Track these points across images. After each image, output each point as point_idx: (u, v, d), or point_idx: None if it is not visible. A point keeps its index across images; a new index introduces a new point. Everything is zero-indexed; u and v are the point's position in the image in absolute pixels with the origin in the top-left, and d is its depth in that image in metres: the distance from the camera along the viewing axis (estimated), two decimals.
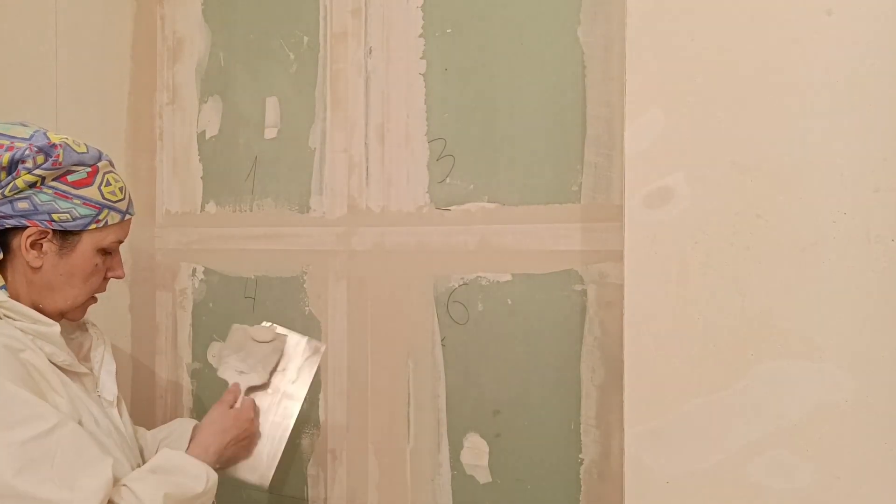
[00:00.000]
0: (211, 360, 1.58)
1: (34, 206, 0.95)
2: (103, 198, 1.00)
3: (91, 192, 0.99)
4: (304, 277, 1.45)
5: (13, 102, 1.41)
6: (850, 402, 0.86)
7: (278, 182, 1.49)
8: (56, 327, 0.98)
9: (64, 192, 0.97)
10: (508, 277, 1.24)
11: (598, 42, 1.16)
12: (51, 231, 0.97)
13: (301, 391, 1.21)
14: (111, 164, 1.05)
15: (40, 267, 0.98)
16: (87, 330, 1.11)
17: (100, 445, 0.94)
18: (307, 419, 1.44)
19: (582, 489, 1.18)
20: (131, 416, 1.14)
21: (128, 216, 1.05)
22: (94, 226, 0.99)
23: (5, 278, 0.99)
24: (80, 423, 0.96)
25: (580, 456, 1.18)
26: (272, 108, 1.49)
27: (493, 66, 1.25)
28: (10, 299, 0.97)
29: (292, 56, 1.47)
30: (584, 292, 1.17)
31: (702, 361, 0.93)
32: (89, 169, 1.00)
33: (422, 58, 1.32)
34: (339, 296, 1.41)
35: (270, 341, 1.19)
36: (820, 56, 0.87)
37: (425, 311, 1.31)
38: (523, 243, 1.22)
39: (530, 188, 1.22)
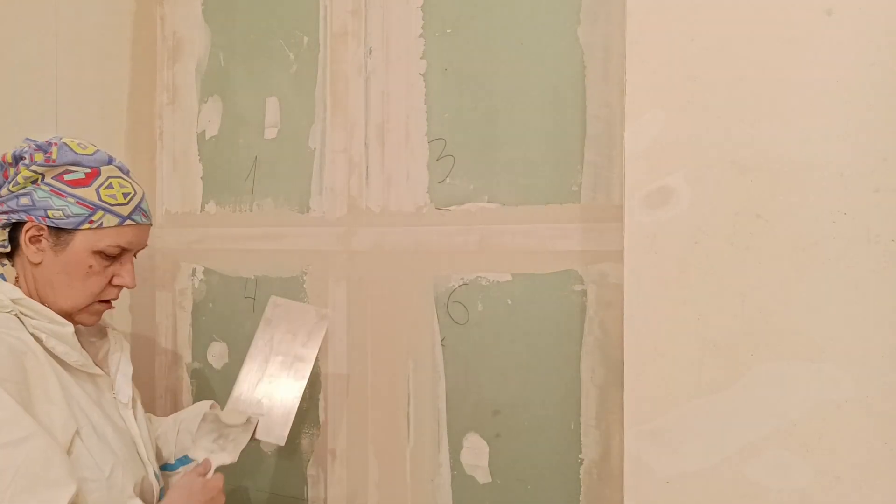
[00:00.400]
0: (211, 360, 1.58)
1: (33, 201, 0.99)
2: (99, 199, 1.01)
3: (86, 193, 1.00)
4: (304, 277, 1.45)
5: (13, 102, 1.41)
6: (850, 402, 0.86)
7: (278, 182, 1.49)
8: (70, 327, 1.00)
9: (59, 189, 0.99)
10: (508, 277, 1.24)
11: (598, 42, 1.16)
12: (46, 227, 1.00)
13: (312, 353, 1.26)
14: (122, 170, 1.07)
15: (40, 263, 1.01)
16: (106, 335, 1.14)
17: (69, 469, 0.91)
18: (307, 419, 1.44)
19: (582, 489, 1.18)
20: None
21: (129, 222, 1.04)
22: (86, 226, 1.00)
23: (16, 272, 1.03)
24: (76, 432, 0.96)
25: (580, 456, 1.18)
26: (272, 108, 1.49)
27: (493, 66, 1.25)
28: (26, 297, 0.99)
29: (292, 56, 1.47)
30: (584, 292, 1.17)
31: (702, 361, 0.93)
32: (88, 170, 1.02)
33: (422, 58, 1.32)
34: (339, 296, 1.41)
35: (242, 424, 1.20)
36: (820, 56, 0.87)
37: (425, 311, 1.31)
38: (523, 243, 1.22)
39: (530, 188, 1.22)
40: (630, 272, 0.98)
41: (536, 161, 1.21)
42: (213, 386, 1.58)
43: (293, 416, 1.22)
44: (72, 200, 1.00)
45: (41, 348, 0.97)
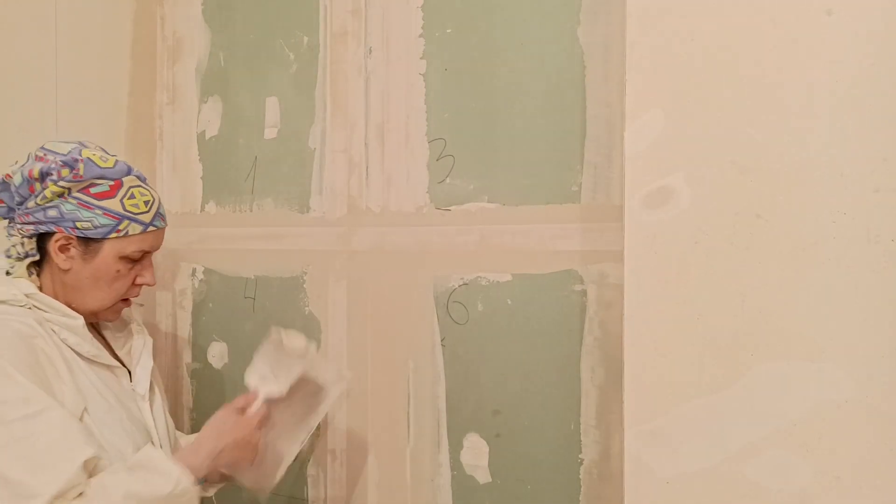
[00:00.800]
0: (211, 360, 1.58)
1: (61, 213, 1.05)
2: (125, 210, 1.08)
3: (112, 204, 1.07)
4: (304, 277, 1.45)
5: (13, 102, 1.42)
6: (850, 402, 0.86)
7: (278, 182, 1.49)
8: (80, 320, 1.07)
9: (87, 202, 1.06)
10: (508, 277, 1.24)
11: (598, 42, 1.16)
12: (75, 237, 1.07)
13: (314, 421, 1.24)
14: (141, 178, 1.14)
15: (69, 269, 1.08)
16: (132, 330, 1.22)
17: (87, 436, 0.98)
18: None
19: (582, 489, 1.18)
20: None
21: (151, 228, 1.12)
22: (114, 235, 1.08)
23: (41, 278, 1.10)
24: (85, 410, 1.02)
25: (580, 456, 1.18)
26: (272, 108, 1.49)
27: (493, 66, 1.25)
28: (39, 292, 1.06)
29: (292, 56, 1.47)
30: (584, 292, 1.17)
31: (702, 361, 0.93)
32: (112, 182, 1.08)
33: (422, 58, 1.32)
34: (339, 296, 1.41)
35: (301, 353, 1.18)
36: (820, 56, 0.87)
37: (425, 311, 1.31)
38: (523, 243, 1.22)
39: (530, 188, 1.22)
40: (630, 272, 0.98)
41: (536, 161, 1.21)
42: (214, 386, 1.58)
43: (280, 474, 1.21)
44: (99, 212, 1.06)
45: (51, 337, 1.04)
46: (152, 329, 1.65)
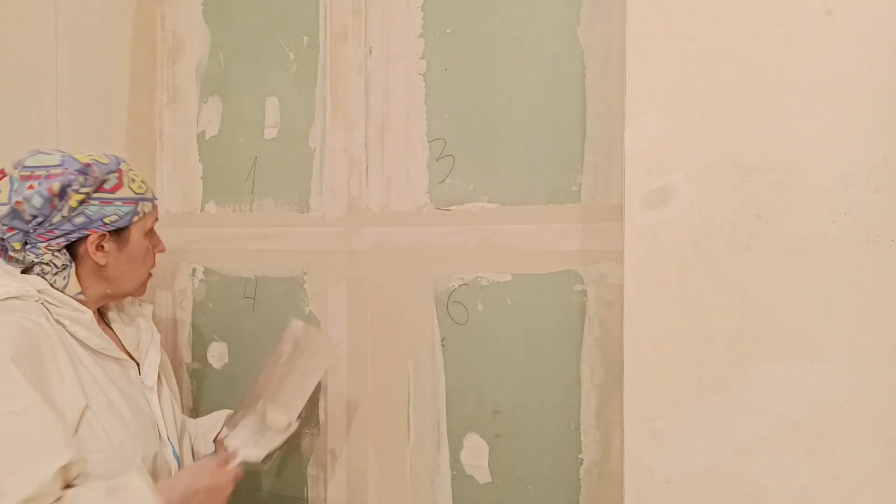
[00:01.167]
0: (211, 360, 1.58)
1: (88, 217, 1.11)
2: (135, 193, 1.16)
3: (125, 192, 1.15)
4: (304, 277, 1.45)
5: (13, 103, 1.42)
6: (850, 402, 0.86)
7: (278, 182, 1.49)
8: (89, 314, 1.12)
9: (106, 199, 1.13)
10: (508, 277, 1.24)
11: (598, 42, 1.16)
12: (107, 233, 1.13)
13: (311, 387, 1.28)
14: (127, 163, 1.20)
15: (107, 264, 1.14)
16: (140, 326, 1.27)
17: (68, 441, 0.98)
18: (307, 419, 1.44)
19: (582, 489, 1.18)
20: None
21: (156, 201, 1.22)
22: (136, 218, 1.16)
23: (81, 283, 1.14)
24: (86, 406, 1.05)
25: (580, 456, 1.18)
26: (272, 108, 1.49)
27: (493, 66, 1.25)
28: (51, 288, 1.10)
29: (292, 56, 1.47)
30: (584, 292, 1.17)
31: (702, 361, 0.93)
32: (117, 174, 1.15)
33: (422, 58, 1.32)
34: (339, 296, 1.41)
35: (282, 429, 1.23)
36: (820, 56, 0.87)
37: (425, 311, 1.31)
38: (523, 243, 1.22)
39: (530, 188, 1.22)
40: (630, 272, 0.98)
41: (536, 161, 1.21)
42: (214, 386, 1.58)
43: (274, 446, 1.24)
44: (119, 203, 1.14)
45: (58, 333, 1.06)
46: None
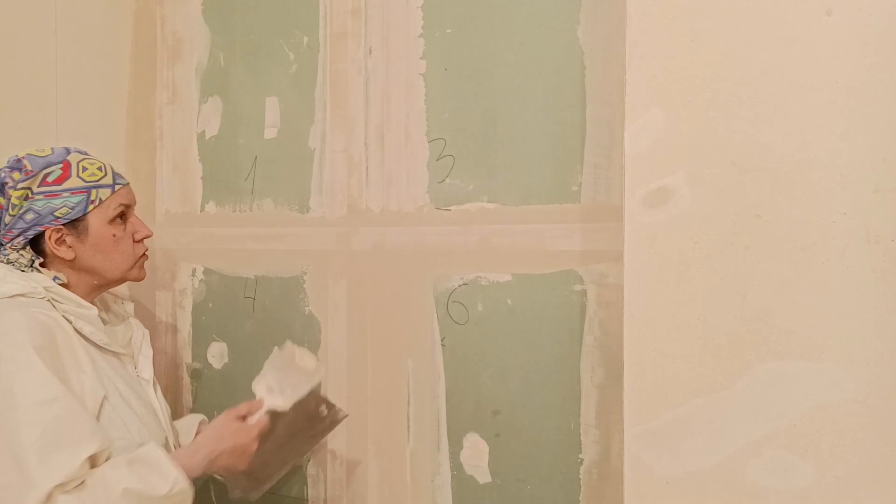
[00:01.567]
0: (211, 359, 1.58)
1: (36, 212, 1.10)
2: (85, 182, 1.13)
3: (73, 182, 1.12)
4: (304, 277, 1.45)
5: (13, 102, 1.42)
6: (850, 402, 0.86)
7: (278, 182, 1.49)
8: (94, 310, 1.13)
9: (50, 192, 1.11)
10: (508, 277, 1.24)
11: (598, 42, 1.16)
12: (62, 226, 1.11)
13: (309, 445, 1.28)
14: (83, 153, 1.18)
15: (74, 257, 1.14)
16: (130, 324, 1.27)
17: (94, 430, 1.01)
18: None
19: (582, 489, 1.18)
20: None
21: (118, 186, 1.18)
22: (91, 206, 1.13)
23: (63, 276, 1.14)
24: (105, 397, 1.07)
25: (580, 456, 1.18)
26: (272, 108, 1.49)
27: (493, 66, 1.25)
28: (57, 285, 1.11)
29: (292, 56, 1.47)
30: (584, 292, 1.17)
31: (702, 361, 0.93)
32: (61, 165, 1.13)
33: (422, 58, 1.32)
34: (339, 296, 1.41)
35: (311, 372, 1.20)
36: (820, 56, 0.87)
37: (425, 311, 1.31)
38: (523, 243, 1.22)
39: (530, 188, 1.22)
40: (630, 272, 0.98)
41: (536, 161, 1.21)
42: (213, 386, 1.58)
43: (268, 484, 1.23)
44: (66, 194, 1.11)
45: (71, 327, 1.08)
46: (152, 329, 1.65)
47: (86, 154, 1.19)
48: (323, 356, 1.43)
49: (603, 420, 1.16)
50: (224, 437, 1.12)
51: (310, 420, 1.23)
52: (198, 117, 1.60)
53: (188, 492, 1.06)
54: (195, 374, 1.61)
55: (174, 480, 1.03)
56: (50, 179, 1.11)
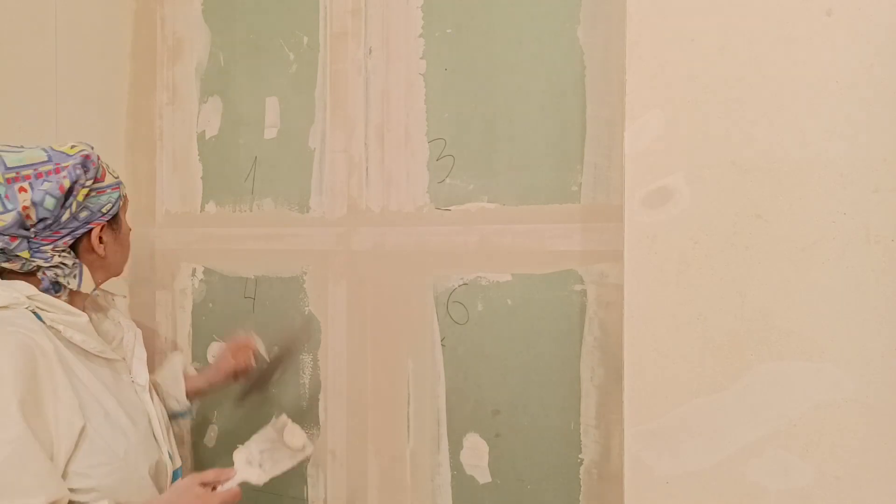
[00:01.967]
0: (211, 360, 1.58)
1: (90, 210, 1.08)
2: (115, 178, 1.14)
3: (109, 179, 1.12)
4: (304, 277, 1.45)
5: (13, 102, 1.42)
6: (850, 402, 0.86)
7: (278, 182, 1.49)
8: (84, 317, 1.06)
9: (100, 188, 1.10)
10: (508, 277, 1.24)
11: (598, 42, 1.16)
12: (105, 223, 1.11)
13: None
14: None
15: (106, 254, 1.12)
16: (121, 324, 1.21)
17: (44, 479, 0.93)
18: (307, 419, 1.44)
19: (582, 489, 1.18)
20: None
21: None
22: (121, 202, 1.14)
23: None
24: (83, 428, 0.99)
25: (580, 456, 1.18)
26: (272, 108, 1.49)
27: (493, 66, 1.25)
28: (41, 293, 1.03)
29: (292, 56, 1.47)
30: (584, 292, 1.17)
31: (702, 361, 0.93)
32: (98, 162, 1.10)
33: (422, 58, 1.32)
34: (339, 296, 1.41)
35: (297, 451, 1.16)
36: (820, 56, 0.87)
37: (425, 311, 1.31)
38: (523, 243, 1.22)
39: (530, 188, 1.22)
40: (630, 272, 0.98)
41: (536, 161, 1.21)
42: None
43: None
44: (108, 190, 1.11)
45: (52, 345, 1.00)
46: (152, 329, 1.65)
47: None
48: (323, 356, 1.43)
49: (603, 420, 1.16)
50: (186, 501, 1.04)
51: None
52: (198, 117, 1.60)
53: None
54: None
55: None
56: (98, 175, 1.09)
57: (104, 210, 1.09)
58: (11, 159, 1.01)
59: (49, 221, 1.02)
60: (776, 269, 0.89)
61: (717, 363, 0.92)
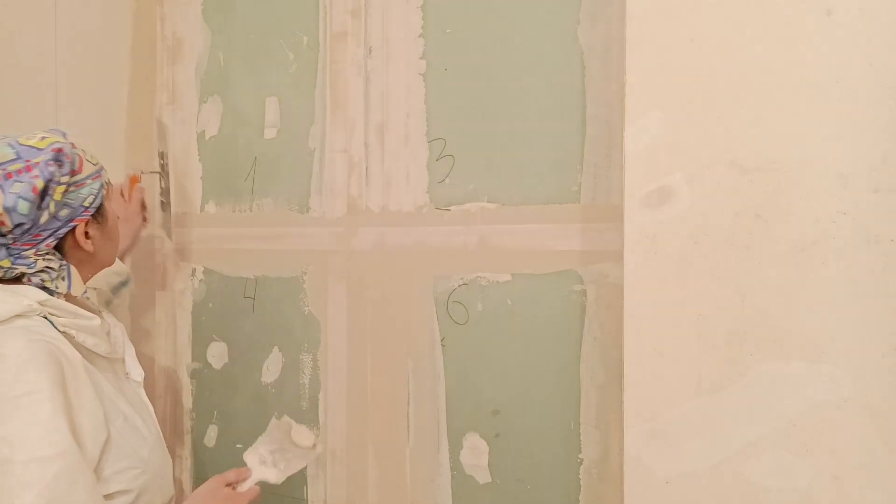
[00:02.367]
0: (211, 360, 1.58)
1: (71, 207, 0.97)
2: (94, 165, 1.02)
3: (88, 167, 1.01)
4: (304, 277, 1.45)
5: (13, 102, 1.41)
6: (850, 402, 0.86)
7: (278, 182, 1.49)
8: (96, 320, 1.01)
9: (79, 181, 0.99)
10: (508, 277, 1.23)
11: (598, 42, 1.16)
12: (89, 218, 1.00)
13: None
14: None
15: (94, 249, 1.02)
16: (106, 321, 1.12)
17: (91, 491, 0.90)
18: (307, 419, 1.44)
19: (582, 489, 1.18)
20: None
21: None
22: (104, 190, 1.03)
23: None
24: (107, 439, 0.95)
25: (580, 456, 1.18)
26: (272, 108, 1.49)
27: (493, 66, 1.25)
28: (52, 297, 0.96)
29: (292, 56, 1.47)
30: (584, 292, 1.17)
31: (702, 361, 0.93)
32: (76, 150, 1.00)
33: (422, 58, 1.32)
34: (339, 296, 1.41)
35: (309, 447, 1.16)
36: (820, 56, 0.87)
37: (425, 311, 1.31)
38: (523, 243, 1.22)
39: (530, 188, 1.22)
40: (630, 272, 0.98)
41: (536, 161, 1.21)
42: (213, 386, 1.58)
43: None
44: (88, 181, 1.00)
45: (75, 353, 0.95)
46: (152, 329, 1.65)
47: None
48: (323, 356, 1.43)
49: (603, 420, 1.16)
50: (215, 501, 1.04)
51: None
52: (197, 117, 1.60)
53: None
54: (195, 375, 1.61)
55: None
56: (75, 167, 0.98)
57: (86, 204, 0.99)
58: None
59: (27, 226, 0.93)
60: (776, 269, 0.89)
61: (717, 363, 0.92)
